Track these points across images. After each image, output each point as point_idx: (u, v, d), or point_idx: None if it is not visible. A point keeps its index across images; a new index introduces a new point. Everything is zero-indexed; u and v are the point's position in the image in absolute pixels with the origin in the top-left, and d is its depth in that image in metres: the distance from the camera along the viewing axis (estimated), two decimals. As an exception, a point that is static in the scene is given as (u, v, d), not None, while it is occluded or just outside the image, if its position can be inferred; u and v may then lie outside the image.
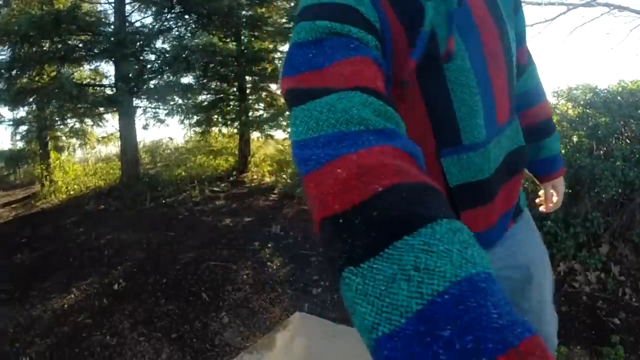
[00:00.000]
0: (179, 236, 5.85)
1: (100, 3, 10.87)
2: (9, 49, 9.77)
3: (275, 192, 7.77)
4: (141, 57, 9.56)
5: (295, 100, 0.55)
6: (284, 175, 8.19)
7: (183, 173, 9.78)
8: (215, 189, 8.19)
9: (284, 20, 9.59)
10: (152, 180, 9.62)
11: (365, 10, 0.65)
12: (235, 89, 11.11)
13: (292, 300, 4.02)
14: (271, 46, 10.74)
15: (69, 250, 6.11)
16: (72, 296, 4.54)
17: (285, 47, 10.44)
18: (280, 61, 10.47)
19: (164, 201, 8.00)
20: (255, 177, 9.52)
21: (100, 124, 12.01)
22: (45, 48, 9.31)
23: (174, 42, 9.67)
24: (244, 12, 9.81)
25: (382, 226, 0.35)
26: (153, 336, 3.61)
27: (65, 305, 4.36)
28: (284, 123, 9.82)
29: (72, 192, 11.03)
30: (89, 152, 15.76)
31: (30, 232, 7.73)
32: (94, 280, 4.82)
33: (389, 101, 0.53)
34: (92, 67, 11.78)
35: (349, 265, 0.34)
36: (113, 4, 10.07)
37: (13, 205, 11.98)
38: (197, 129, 11.35)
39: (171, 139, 14.14)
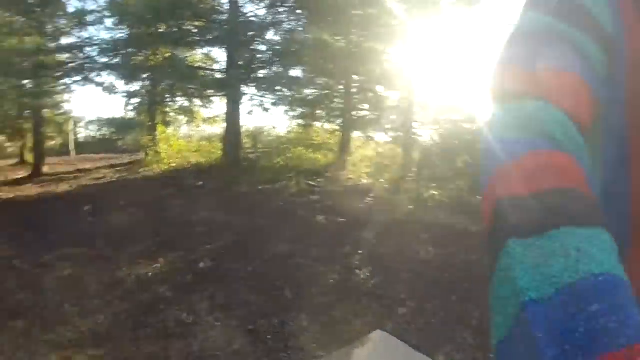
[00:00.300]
0: (270, 225, 5.84)
1: None
2: (127, 29, 10.94)
3: (372, 195, 7.57)
4: (252, 47, 10.07)
5: (502, 95, 0.55)
6: (382, 180, 7.96)
7: (282, 162, 9.95)
8: (312, 182, 8.18)
9: (394, 22, 9.40)
10: (250, 165, 9.93)
11: (598, 12, 0.59)
12: (341, 87, 11.12)
13: (375, 315, 3.73)
14: (381, 48, 10.54)
15: (162, 219, 6.41)
16: (158, 266, 4.68)
17: (393, 49, 10.30)
18: (388, 63, 10.31)
19: (260, 187, 8.14)
20: (351, 176, 9.36)
21: (208, 105, 12.89)
22: (161, 30, 10.18)
23: (285, 35, 10.03)
24: (355, 12, 9.74)
25: (557, 213, 0.38)
26: (229, 324, 3.49)
27: (149, 274, 4.49)
28: (388, 126, 9.69)
29: (173, 165, 11.81)
30: (194, 130, 17.03)
31: (129, 197, 8.36)
32: (180, 254, 4.95)
33: (584, 134, 0.51)
34: (205, 51, 12.74)
35: (514, 237, 0.37)
36: None
37: (118, 168, 13.25)
38: (300, 122, 11.57)
39: (274, 127, 14.60)
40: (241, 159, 10.47)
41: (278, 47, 9.62)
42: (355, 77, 10.82)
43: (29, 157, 14.93)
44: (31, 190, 10.41)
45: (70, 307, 3.97)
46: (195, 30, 10.15)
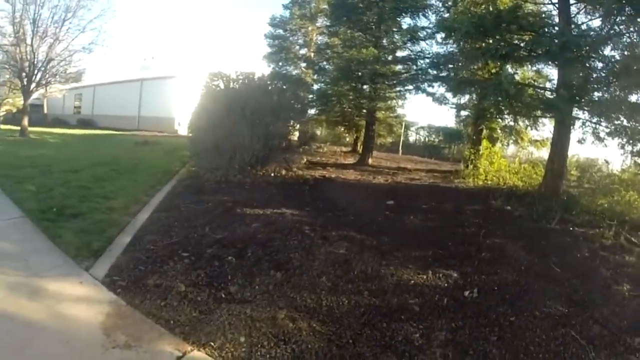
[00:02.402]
0: (563, 277, 4.80)
1: (544, 3, 10.16)
2: (455, 44, 11.08)
3: None
4: (587, 64, 8.52)
5: None
6: None
7: (605, 205, 8.23)
8: (634, 239, 6.42)
9: None
10: (569, 200, 8.60)
11: None
12: None
13: None
14: None
15: (453, 233, 6.18)
16: (424, 277, 4.51)
17: None
18: None
19: (571, 228, 6.98)
20: None
21: (536, 126, 11.94)
22: (488, 45, 9.76)
23: (624, 51, 8.06)
24: None
25: None
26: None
27: (411, 282, 4.35)
28: None
29: (489, 182, 11.47)
30: (519, 151, 16.21)
31: (432, 202, 8.49)
32: (452, 275, 4.61)
33: None
34: (535, 68, 11.68)
35: None
36: (557, 5, 9.30)
37: (435, 174, 13.79)
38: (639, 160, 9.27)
39: (607, 162, 12.47)
40: (561, 191, 9.18)
41: (616, 65, 7.88)
42: None
43: (360, 148, 17.33)
44: (351, 175, 11.99)
45: (325, 280, 4.30)
46: (523, 45, 9.39)
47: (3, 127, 26.86)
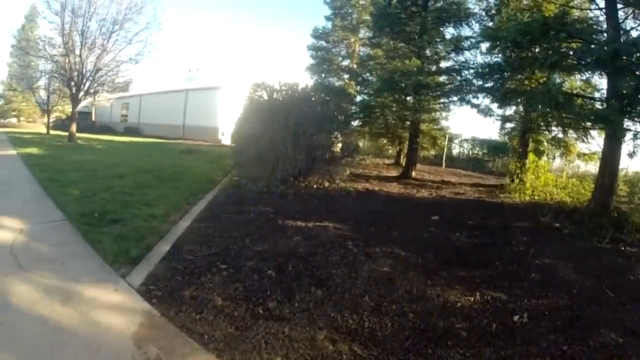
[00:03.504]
0: (616, 302, 4.42)
1: (590, 9, 9.60)
2: (500, 53, 10.63)
3: None
4: (638, 72, 7.98)
5: None
6: None
7: (659, 222, 7.72)
8: None
9: None
10: (620, 217, 8.05)
11: None
12: None
13: None
14: None
15: (502, 252, 5.84)
16: (471, 299, 4.19)
17: None
18: None
19: (623, 247, 6.51)
20: None
21: (585, 138, 11.37)
22: (535, 54, 9.31)
23: None
24: None
25: None
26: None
27: (458, 304, 4.04)
28: None
29: (535, 198, 10.96)
30: (567, 164, 15.55)
31: (479, 218, 8.14)
32: (501, 298, 4.27)
33: None
34: (584, 77, 11.12)
35: None
36: (604, 10, 8.75)
37: (480, 188, 13.31)
38: None
39: None
40: (611, 207, 8.60)
41: None
42: None
43: (403, 160, 16.99)
44: (394, 188, 11.71)
45: (367, 300, 4.06)
46: (572, 53, 8.91)
47: (52, 132, 28.06)
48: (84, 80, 22.23)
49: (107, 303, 3.66)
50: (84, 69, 21.92)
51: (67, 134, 22.88)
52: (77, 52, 21.67)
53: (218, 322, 3.46)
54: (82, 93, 22.55)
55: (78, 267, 4.35)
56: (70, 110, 23.75)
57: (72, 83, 21.95)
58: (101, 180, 9.42)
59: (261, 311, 3.68)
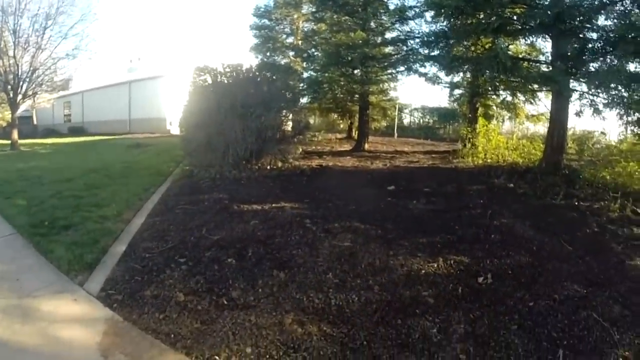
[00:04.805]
0: (575, 255, 4.63)
1: None
2: (445, 20, 10.67)
3: None
4: (581, 35, 8.32)
5: None
6: None
7: (607, 177, 8.10)
8: None
9: None
10: (571, 173, 8.45)
11: None
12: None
13: None
14: None
15: (458, 216, 6.02)
16: (434, 266, 4.30)
17: None
18: None
19: (575, 203, 6.82)
20: None
21: (532, 101, 11.81)
22: (479, 20, 9.48)
23: (620, 20, 7.85)
24: None
25: None
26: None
27: (422, 272, 4.15)
28: None
29: (488, 160, 11.32)
30: (516, 127, 16.08)
31: (434, 185, 8.31)
32: (463, 261, 4.39)
33: None
34: (528, 41, 11.49)
35: None
36: None
37: (433, 155, 13.59)
38: (637, 130, 9.12)
39: (604, 133, 12.31)
40: (562, 165, 9.01)
41: (611, 35, 7.67)
42: None
43: (355, 134, 17.10)
44: (348, 162, 11.79)
45: (331, 277, 4.11)
46: (516, 18, 9.16)
47: (-6, 142, 26.50)
48: (21, 83, 20.83)
49: (68, 315, 3.56)
50: (20, 70, 20.53)
51: (9, 142, 21.64)
52: (11, 53, 20.23)
53: (183, 318, 3.43)
54: (20, 96, 21.15)
55: (34, 281, 4.18)
56: (10, 116, 22.39)
57: (9, 87, 20.55)
58: (48, 186, 9.00)
59: (225, 301, 3.67)
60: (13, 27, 20.49)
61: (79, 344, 3.14)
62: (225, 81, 10.96)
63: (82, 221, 6.13)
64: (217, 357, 2.95)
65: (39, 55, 21.24)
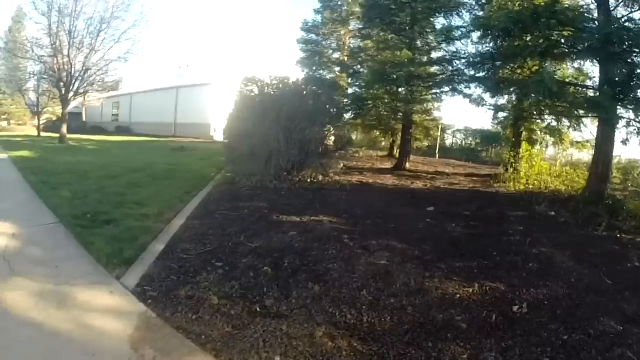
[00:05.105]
0: (617, 290, 4.40)
1: None
2: (491, 42, 10.60)
3: None
4: (629, 60, 7.99)
5: None
6: None
7: (654, 208, 7.76)
8: None
9: None
10: (615, 204, 8.08)
11: None
12: None
13: None
14: None
15: (498, 242, 5.84)
16: (469, 291, 4.15)
17: None
18: None
19: (619, 235, 6.53)
20: None
21: (577, 127, 11.43)
22: (526, 42, 9.31)
23: None
24: None
25: None
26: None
27: (457, 296, 3.99)
28: None
29: (530, 186, 10.98)
30: (560, 153, 15.62)
31: (474, 208, 8.13)
32: (499, 289, 4.23)
33: None
34: (576, 65, 11.16)
35: None
36: None
37: (474, 178, 13.32)
38: None
39: None
40: (606, 195, 8.66)
41: None
42: None
43: (397, 152, 16.98)
44: (389, 180, 11.69)
45: (366, 294, 4.02)
46: (563, 41, 8.92)
47: (44, 135, 27.78)
48: (73, 81, 21.93)
49: (103, 306, 3.60)
50: (73, 69, 21.61)
51: (58, 135, 22.64)
52: (65, 52, 21.34)
53: (215, 321, 3.40)
54: (71, 94, 22.26)
55: (72, 270, 4.28)
56: (61, 111, 23.45)
57: (62, 84, 21.67)
58: (93, 181, 9.31)
59: (258, 309, 3.63)
60: (69, 28, 21.69)
61: (111, 334, 3.16)
62: (272, 93, 11.12)
63: (124, 217, 6.27)
64: (246, 363, 2.91)
65: (92, 56, 22.38)
